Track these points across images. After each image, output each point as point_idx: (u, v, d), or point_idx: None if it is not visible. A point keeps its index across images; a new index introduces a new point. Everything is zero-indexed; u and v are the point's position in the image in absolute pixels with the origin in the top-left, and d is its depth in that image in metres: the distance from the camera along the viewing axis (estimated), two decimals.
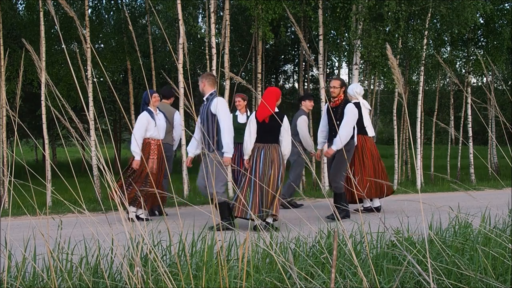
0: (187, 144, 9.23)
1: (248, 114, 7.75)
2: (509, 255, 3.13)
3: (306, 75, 18.30)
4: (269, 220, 5.89)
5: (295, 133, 7.76)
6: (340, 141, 6.43)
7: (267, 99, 6.09)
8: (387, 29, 12.33)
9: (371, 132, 7.23)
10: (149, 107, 6.89)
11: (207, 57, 12.14)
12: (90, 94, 11.63)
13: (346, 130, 6.48)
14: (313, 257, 3.29)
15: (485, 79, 17.66)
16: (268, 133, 6.06)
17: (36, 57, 2.42)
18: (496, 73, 17.04)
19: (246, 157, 6.12)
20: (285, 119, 6.03)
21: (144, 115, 6.82)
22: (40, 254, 3.00)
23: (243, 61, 14.13)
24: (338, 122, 6.54)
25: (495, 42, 14.42)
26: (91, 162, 11.01)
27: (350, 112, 6.52)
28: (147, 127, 6.77)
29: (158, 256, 2.57)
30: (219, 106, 6.00)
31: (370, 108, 7.67)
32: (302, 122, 7.93)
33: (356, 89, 7.23)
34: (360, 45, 11.92)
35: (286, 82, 24.69)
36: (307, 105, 8.18)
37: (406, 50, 13.76)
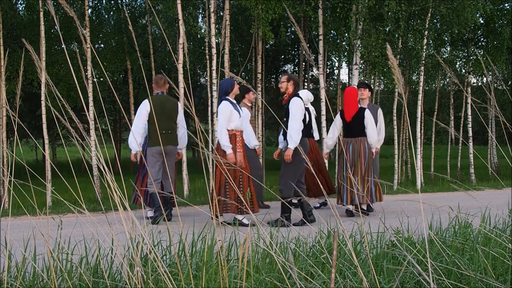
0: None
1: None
2: (509, 255, 3.13)
3: (306, 75, 18.32)
4: (364, 206, 6.75)
5: None
6: (292, 138, 5.93)
7: (351, 99, 6.86)
8: (387, 29, 12.33)
9: (316, 135, 7.85)
10: (229, 97, 6.30)
11: (207, 57, 12.14)
12: (90, 94, 11.63)
13: (294, 125, 5.95)
14: (313, 257, 3.29)
15: (485, 79, 17.66)
16: (353, 128, 6.82)
17: (36, 57, 2.42)
18: (496, 73, 17.04)
19: (326, 150, 7.37)
20: (367, 111, 6.83)
21: (226, 104, 6.21)
22: (40, 254, 3.00)
23: (243, 61, 14.13)
24: (285, 119, 6.20)
25: (495, 42, 14.42)
26: (91, 162, 11.01)
27: (293, 105, 6.03)
28: (230, 117, 6.21)
29: (158, 256, 2.57)
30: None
31: (316, 114, 8.11)
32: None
33: (308, 96, 7.37)
34: (360, 45, 11.91)
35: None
36: (250, 98, 7.79)
37: (406, 50, 13.76)
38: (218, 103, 6.33)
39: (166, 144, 6.65)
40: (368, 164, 6.80)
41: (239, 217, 6.23)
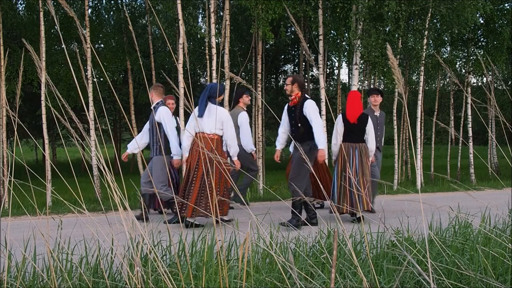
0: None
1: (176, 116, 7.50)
2: (509, 255, 3.13)
3: (306, 75, 18.30)
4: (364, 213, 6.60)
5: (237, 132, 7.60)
6: (321, 139, 6.00)
7: (355, 102, 6.79)
8: (387, 29, 12.32)
9: None
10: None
11: (207, 57, 12.14)
12: (90, 94, 11.63)
13: (319, 126, 6.04)
14: (313, 257, 3.29)
15: (485, 79, 17.66)
16: (357, 133, 6.74)
17: (36, 57, 2.42)
18: (496, 73, 17.04)
19: (334, 158, 6.90)
20: (369, 117, 6.83)
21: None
22: (40, 254, 3.00)
23: (243, 61, 14.12)
24: (298, 123, 6.14)
25: (495, 42, 14.42)
26: (91, 162, 11.01)
27: (311, 109, 6.08)
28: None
29: (158, 256, 2.57)
30: (162, 115, 6.55)
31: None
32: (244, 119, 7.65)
33: None
34: (360, 45, 11.91)
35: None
36: (245, 101, 7.78)
37: (406, 50, 13.75)
38: (204, 104, 6.17)
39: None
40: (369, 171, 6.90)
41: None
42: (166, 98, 7.40)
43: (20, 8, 16.71)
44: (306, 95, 6.26)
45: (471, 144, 15.88)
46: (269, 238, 3.33)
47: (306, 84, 6.37)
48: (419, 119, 14.09)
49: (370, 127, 6.81)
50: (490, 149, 17.97)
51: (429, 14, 12.70)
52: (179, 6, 11.12)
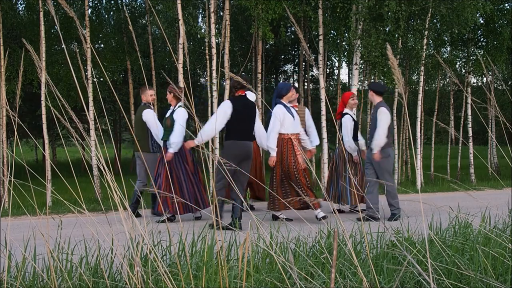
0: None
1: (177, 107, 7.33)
2: (509, 255, 3.13)
3: (306, 75, 18.30)
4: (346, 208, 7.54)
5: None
6: (202, 131, 6.00)
7: (340, 102, 7.59)
8: (387, 29, 12.32)
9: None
10: (283, 101, 6.56)
11: (207, 57, 12.14)
12: (90, 94, 11.63)
13: (210, 121, 6.26)
14: (313, 257, 3.29)
15: (485, 79, 17.66)
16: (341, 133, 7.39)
17: (36, 57, 2.42)
18: (496, 73, 17.03)
19: (355, 154, 7.43)
20: (345, 117, 7.29)
21: (280, 108, 6.50)
22: (40, 254, 3.00)
23: (243, 61, 14.13)
24: None
25: (495, 42, 14.41)
26: (91, 162, 11.01)
27: (220, 107, 6.19)
28: (283, 121, 6.47)
29: (158, 256, 2.57)
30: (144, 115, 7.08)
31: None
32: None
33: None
34: (360, 45, 11.91)
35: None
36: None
37: (406, 50, 13.75)
38: (273, 106, 6.64)
39: (138, 150, 7.27)
40: (347, 169, 7.30)
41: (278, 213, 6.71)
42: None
43: (20, 8, 16.71)
44: (232, 96, 6.29)
45: (471, 144, 15.88)
46: (269, 238, 3.33)
47: (238, 85, 6.26)
48: (419, 119, 14.09)
49: (343, 127, 7.33)
50: (490, 149, 17.96)
51: (429, 14, 12.69)
52: (179, 6, 11.11)
